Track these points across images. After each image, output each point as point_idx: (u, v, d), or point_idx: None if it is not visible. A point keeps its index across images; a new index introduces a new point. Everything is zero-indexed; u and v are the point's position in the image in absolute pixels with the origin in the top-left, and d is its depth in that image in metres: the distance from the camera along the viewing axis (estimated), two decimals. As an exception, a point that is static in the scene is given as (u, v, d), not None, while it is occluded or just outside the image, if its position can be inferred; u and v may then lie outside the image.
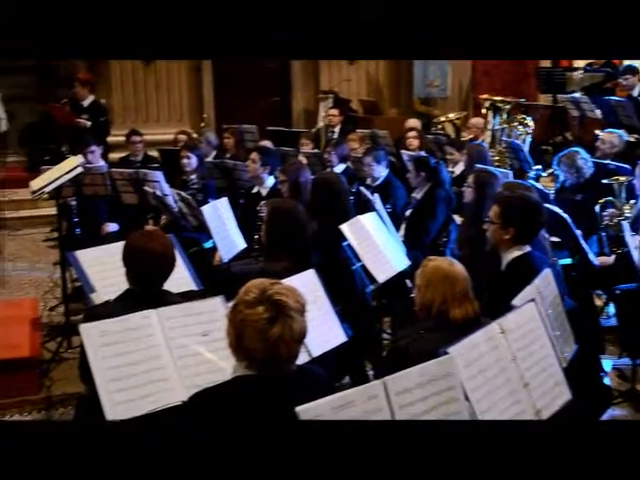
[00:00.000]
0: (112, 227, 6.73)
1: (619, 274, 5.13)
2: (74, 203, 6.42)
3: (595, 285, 5.45)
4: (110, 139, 9.53)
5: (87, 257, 3.84)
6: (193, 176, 6.64)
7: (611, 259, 5.40)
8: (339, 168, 6.88)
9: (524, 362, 2.72)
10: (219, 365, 2.90)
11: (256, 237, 5.26)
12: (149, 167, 6.99)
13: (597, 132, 7.65)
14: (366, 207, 5.31)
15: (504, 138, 8.69)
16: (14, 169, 10.91)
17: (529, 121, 9.10)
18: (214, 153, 8.15)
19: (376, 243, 4.71)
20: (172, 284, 3.34)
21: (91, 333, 2.85)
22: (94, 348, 2.83)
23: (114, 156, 8.91)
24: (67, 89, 9.83)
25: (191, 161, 6.66)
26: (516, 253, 3.79)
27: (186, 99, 11.58)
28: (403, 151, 7.48)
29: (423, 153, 7.13)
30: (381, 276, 4.61)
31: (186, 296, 3.32)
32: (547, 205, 4.62)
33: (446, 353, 2.45)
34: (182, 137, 8.39)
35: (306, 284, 3.45)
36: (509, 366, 2.66)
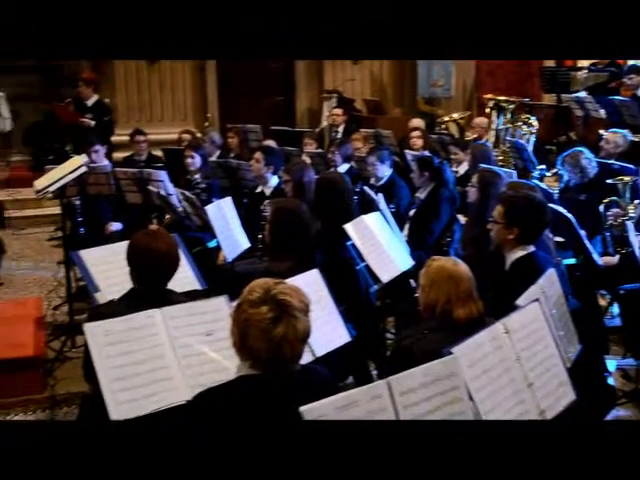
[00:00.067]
0: (116, 226, 6.74)
1: (623, 274, 5.12)
2: (78, 202, 6.43)
3: (599, 285, 5.44)
4: (114, 138, 9.55)
5: (91, 256, 3.84)
6: (197, 175, 6.65)
7: (615, 259, 5.39)
8: (343, 168, 6.88)
9: (528, 362, 2.72)
10: (223, 364, 2.90)
11: (260, 237, 5.27)
12: (153, 166, 7.00)
13: (601, 132, 7.64)
14: (370, 207, 5.30)
15: (508, 138, 8.69)
16: (18, 168, 10.94)
17: (533, 121, 9.09)
18: (218, 153, 8.15)
19: (380, 243, 4.71)
20: (176, 283, 3.34)
21: (95, 332, 2.85)
22: (98, 347, 2.83)
23: (118, 155, 8.94)
24: (71, 88, 9.84)
25: (195, 160, 6.67)
26: (520, 253, 3.78)
27: (190, 99, 11.59)
28: (407, 151, 7.48)
29: (427, 153, 7.13)
30: (385, 276, 4.61)
31: (190, 295, 3.32)
32: (551, 205, 4.61)
33: (450, 353, 2.44)
34: (186, 137, 8.39)
35: (310, 284, 3.44)
36: (513, 366, 2.66)
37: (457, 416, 2.35)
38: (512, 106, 9.61)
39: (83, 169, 5.83)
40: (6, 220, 9.30)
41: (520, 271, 3.70)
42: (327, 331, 3.53)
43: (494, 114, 9.73)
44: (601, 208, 5.74)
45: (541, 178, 6.91)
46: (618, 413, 4.42)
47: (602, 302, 5.69)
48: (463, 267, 3.11)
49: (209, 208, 5.16)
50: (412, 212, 6.01)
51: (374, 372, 4.65)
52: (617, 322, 5.51)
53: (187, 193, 5.91)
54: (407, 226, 5.91)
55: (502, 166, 6.99)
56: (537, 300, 2.99)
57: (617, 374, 4.90)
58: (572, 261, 5.09)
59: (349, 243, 4.60)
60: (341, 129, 9.86)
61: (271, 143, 7.65)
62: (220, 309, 3.05)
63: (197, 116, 11.54)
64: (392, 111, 12.16)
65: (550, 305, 3.18)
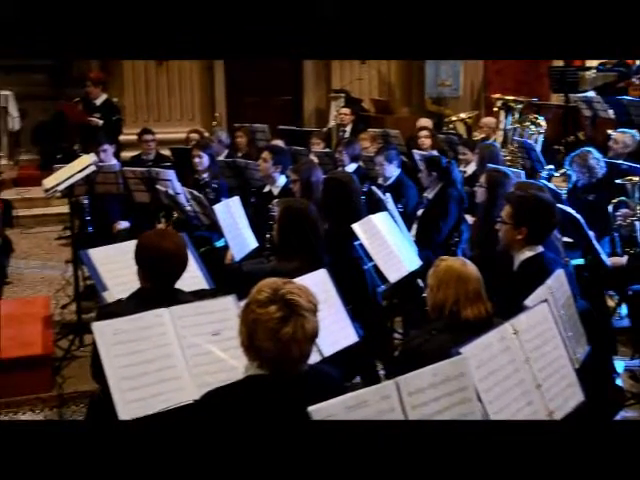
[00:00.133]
0: (123, 225, 6.75)
1: (632, 274, 5.11)
2: (86, 201, 6.44)
3: (608, 286, 5.42)
4: (122, 138, 9.55)
5: (99, 255, 3.85)
6: (205, 175, 6.65)
7: (624, 259, 5.37)
8: (350, 167, 6.88)
9: (537, 363, 2.71)
10: (231, 364, 2.90)
11: (268, 236, 5.27)
12: (161, 166, 7.00)
13: (610, 132, 7.62)
14: (378, 207, 5.30)
15: (516, 138, 8.69)
16: (27, 167, 10.97)
17: (541, 121, 9.09)
18: (226, 152, 8.16)
19: (388, 243, 4.71)
20: (184, 283, 3.34)
21: (104, 331, 2.86)
22: (106, 346, 2.83)
23: (126, 155, 8.94)
24: (80, 88, 9.85)
25: (203, 160, 6.67)
26: (528, 253, 3.78)
27: (198, 98, 11.60)
28: (415, 150, 7.47)
29: (435, 152, 7.12)
30: (393, 276, 4.61)
31: (197, 295, 3.32)
32: (559, 205, 4.60)
33: (459, 353, 2.44)
34: (194, 136, 8.40)
35: (318, 284, 3.44)
36: (522, 367, 2.65)
37: (465, 417, 2.35)
38: (520, 106, 9.61)
39: (91, 168, 5.84)
40: (14, 219, 9.31)
41: (528, 272, 3.69)
42: (335, 331, 3.53)
43: (502, 114, 9.73)
44: (610, 208, 5.72)
45: (549, 178, 6.90)
46: (626, 414, 4.41)
47: (610, 303, 5.67)
48: (471, 267, 3.11)
49: (217, 207, 5.16)
50: (420, 212, 6.00)
51: (381, 372, 4.64)
52: (625, 323, 5.50)
53: (195, 192, 5.92)
54: (415, 226, 5.90)
55: (510, 166, 6.97)
56: (545, 301, 2.99)
57: (625, 375, 4.88)
58: (580, 261, 5.08)
59: (357, 243, 4.60)
60: (349, 129, 9.86)
61: (279, 143, 7.65)
62: (228, 309, 3.05)
63: (205, 116, 11.55)
64: (400, 111, 12.15)
65: (558, 306, 3.18)
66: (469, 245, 5.42)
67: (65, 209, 6.79)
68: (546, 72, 11.08)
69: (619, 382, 4.54)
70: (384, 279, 4.62)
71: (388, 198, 5.29)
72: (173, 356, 2.92)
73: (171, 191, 5.95)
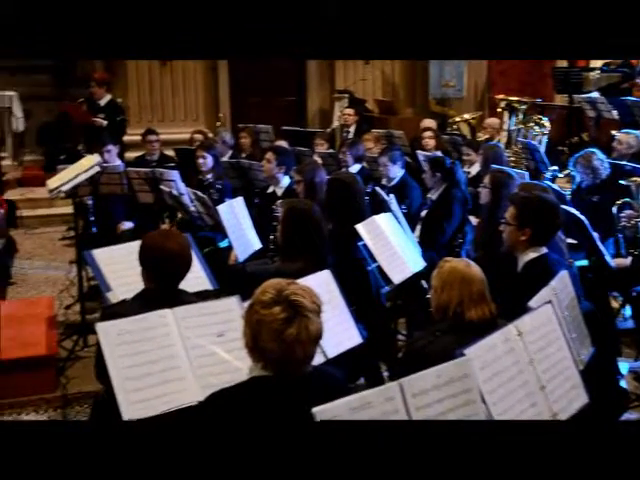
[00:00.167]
0: (127, 225, 6.76)
1: (636, 276, 5.10)
2: (90, 202, 6.44)
3: (612, 287, 5.41)
4: (126, 138, 9.57)
5: (103, 256, 3.85)
6: (209, 175, 6.66)
7: (628, 261, 5.37)
8: (354, 168, 6.88)
9: (541, 365, 2.71)
10: (235, 365, 2.90)
11: (271, 237, 5.27)
12: (165, 166, 7.00)
13: (614, 133, 7.61)
14: (381, 207, 5.30)
15: (520, 138, 8.69)
16: (31, 168, 10.99)
17: (545, 121, 9.08)
18: (230, 153, 8.17)
19: (391, 244, 4.70)
20: (188, 284, 3.34)
21: (108, 332, 2.86)
22: (110, 347, 2.83)
23: (130, 155, 8.95)
24: (84, 88, 9.87)
25: (207, 161, 6.67)
26: (532, 255, 3.77)
27: (202, 99, 11.61)
28: (419, 151, 7.47)
29: (439, 153, 7.12)
30: (396, 277, 4.61)
31: (201, 296, 3.31)
32: (563, 206, 4.60)
33: (462, 355, 2.44)
34: (198, 136, 8.41)
35: (321, 284, 3.44)
36: (526, 369, 2.65)
37: (469, 418, 2.34)
38: (524, 107, 9.61)
39: (96, 169, 5.85)
40: (18, 219, 9.33)
41: (532, 273, 3.68)
42: (339, 332, 3.53)
43: (506, 115, 9.73)
44: (614, 209, 5.71)
45: (553, 179, 6.90)
46: (630, 416, 4.40)
47: (614, 304, 5.66)
48: (475, 269, 3.10)
49: (221, 208, 5.16)
50: (424, 213, 5.99)
51: (385, 373, 4.64)
52: (629, 324, 5.48)
53: (199, 193, 5.92)
54: (419, 227, 5.90)
55: (514, 167, 6.97)
56: (550, 302, 2.98)
57: (629, 377, 4.87)
58: (584, 263, 5.07)
59: (361, 244, 4.60)
60: (352, 129, 9.85)
61: (283, 143, 7.66)
62: (232, 309, 3.05)
63: (209, 116, 11.57)
64: (404, 111, 12.14)
65: (562, 307, 3.17)
66: (473, 246, 5.42)
67: (69, 209, 6.80)
68: (550, 73, 11.07)
69: (623, 384, 4.52)
70: (388, 280, 4.62)
71: (392, 199, 5.29)
72: (177, 357, 2.92)
73: (175, 192, 5.95)
